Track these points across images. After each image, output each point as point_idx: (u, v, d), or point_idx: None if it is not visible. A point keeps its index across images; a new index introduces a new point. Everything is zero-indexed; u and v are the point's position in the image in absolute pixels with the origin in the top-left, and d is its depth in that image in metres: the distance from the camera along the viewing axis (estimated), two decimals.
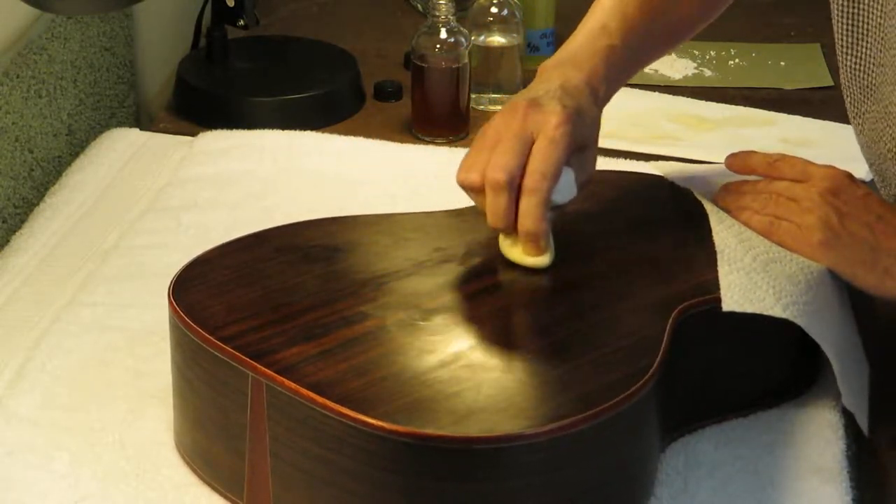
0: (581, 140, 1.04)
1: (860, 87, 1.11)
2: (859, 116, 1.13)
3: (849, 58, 1.10)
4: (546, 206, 1.01)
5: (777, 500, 0.97)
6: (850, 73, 1.11)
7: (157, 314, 1.02)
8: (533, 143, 1.01)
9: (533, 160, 1.01)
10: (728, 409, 1.04)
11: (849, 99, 1.13)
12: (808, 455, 1.01)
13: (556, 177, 1.01)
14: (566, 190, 1.03)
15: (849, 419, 1.05)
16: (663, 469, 0.99)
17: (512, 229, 1.01)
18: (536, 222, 1.00)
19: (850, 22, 1.09)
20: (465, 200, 1.14)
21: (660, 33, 1.16)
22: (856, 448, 1.04)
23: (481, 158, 1.02)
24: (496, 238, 1.07)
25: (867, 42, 1.08)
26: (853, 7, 1.08)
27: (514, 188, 1.00)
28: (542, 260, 1.02)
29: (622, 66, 1.11)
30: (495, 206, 1.01)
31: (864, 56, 1.09)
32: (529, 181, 1.00)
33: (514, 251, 1.03)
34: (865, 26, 1.08)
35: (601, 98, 1.08)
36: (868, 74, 1.10)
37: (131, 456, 1.00)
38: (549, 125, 1.01)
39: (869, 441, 1.05)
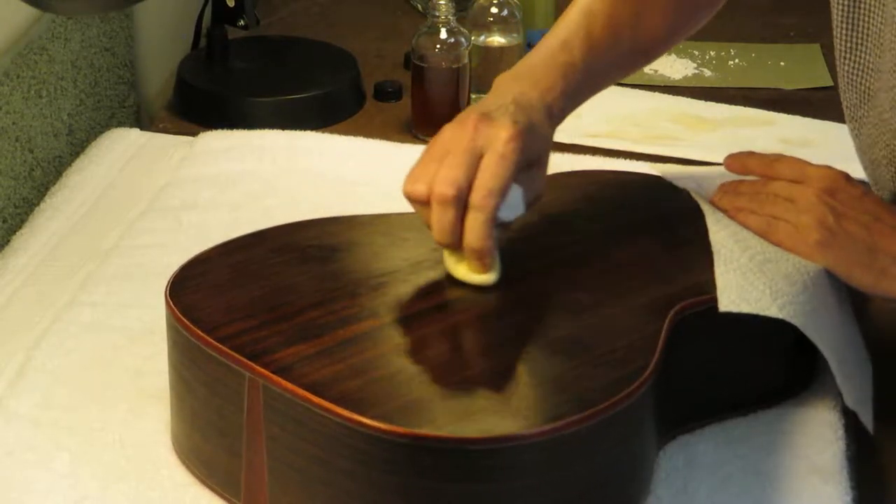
0: (531, 156, 1.02)
1: (857, 93, 1.11)
2: (855, 121, 1.13)
3: (847, 63, 1.10)
4: (492, 223, 0.98)
5: (777, 500, 0.97)
6: (848, 77, 1.11)
7: (157, 314, 1.02)
8: (482, 158, 0.99)
9: (481, 176, 0.98)
10: (726, 409, 1.04)
11: (845, 103, 1.13)
12: (807, 455, 1.01)
13: (503, 193, 0.98)
14: (514, 207, 1.01)
15: (848, 419, 1.05)
16: (663, 469, 0.99)
17: (457, 245, 0.99)
18: (482, 239, 0.98)
19: (849, 27, 1.09)
20: None
21: (625, 52, 1.14)
22: (855, 448, 1.04)
23: (429, 171, 0.99)
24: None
25: (865, 47, 1.08)
26: (853, 13, 1.08)
27: (461, 203, 0.98)
28: (487, 278, 1.00)
29: (582, 83, 1.09)
30: (441, 221, 0.98)
31: (861, 61, 1.09)
32: (476, 197, 0.98)
33: (460, 268, 1.00)
34: (864, 32, 1.08)
35: (556, 115, 1.06)
36: (865, 80, 1.10)
37: (131, 456, 1.00)
38: (499, 140, 0.99)
39: (869, 441, 1.05)
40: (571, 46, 1.09)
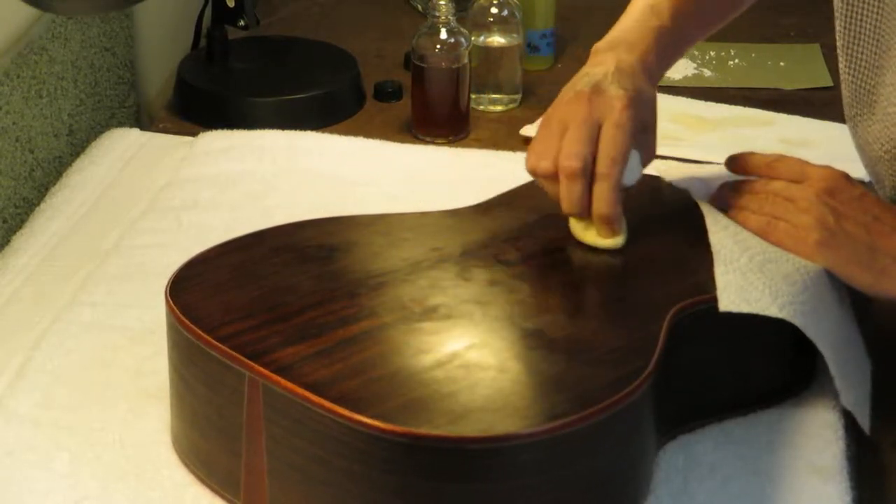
0: (643, 121, 1.07)
1: (857, 89, 1.11)
2: (855, 118, 1.13)
3: (846, 59, 1.10)
4: (619, 190, 1.03)
5: (777, 500, 0.97)
6: (847, 74, 1.11)
7: (157, 314, 1.02)
8: (600, 129, 1.03)
9: (603, 146, 1.03)
10: (725, 409, 1.04)
11: (846, 100, 1.13)
12: (807, 455, 1.01)
13: (625, 160, 1.03)
14: (634, 171, 1.06)
15: (848, 419, 1.05)
16: (663, 468, 0.99)
17: (587, 214, 1.04)
18: (611, 206, 1.02)
19: (847, 23, 1.09)
20: (464, 200, 1.14)
21: (708, 11, 1.17)
22: (855, 448, 1.05)
23: (551, 146, 1.03)
24: (493, 238, 1.07)
25: (863, 44, 1.08)
26: (850, 9, 1.08)
27: (588, 174, 1.02)
28: (616, 241, 1.05)
29: (672, 45, 1.13)
30: (570, 192, 1.03)
31: (860, 58, 1.09)
32: (602, 167, 1.02)
33: (589, 234, 1.05)
34: (860, 27, 1.08)
35: (655, 77, 1.10)
36: (864, 76, 1.10)
37: (131, 456, 1.00)
38: (615, 110, 1.04)
39: (869, 441, 1.05)
40: (659, 10, 1.12)
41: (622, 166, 1.03)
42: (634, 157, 1.06)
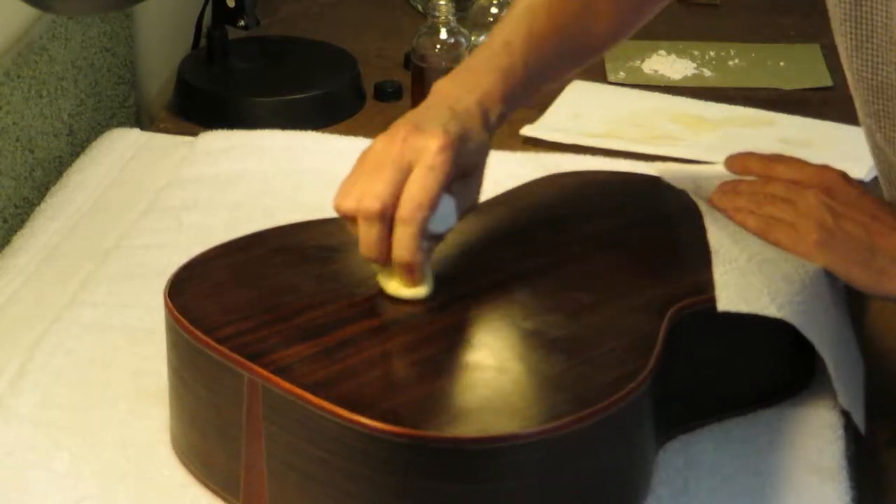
0: (465, 166, 0.99)
1: (871, 89, 1.10)
2: (871, 116, 1.12)
3: (857, 60, 1.09)
4: (421, 237, 0.96)
5: (777, 500, 0.97)
6: (859, 74, 1.10)
7: (157, 314, 1.02)
8: (411, 170, 0.96)
9: (408, 188, 0.95)
10: (725, 408, 1.04)
11: (859, 101, 1.12)
12: (807, 455, 1.02)
13: (432, 206, 0.96)
14: (445, 219, 0.98)
15: (848, 419, 1.05)
16: (663, 469, 0.99)
17: (386, 260, 0.97)
18: (411, 253, 0.96)
19: (854, 24, 1.08)
20: None
21: (569, 51, 1.11)
22: (855, 448, 1.05)
23: (357, 185, 0.97)
24: (493, 239, 1.07)
25: (874, 42, 1.08)
26: (857, 9, 1.07)
27: (387, 218, 0.96)
28: (418, 291, 0.98)
29: (523, 85, 1.05)
30: (368, 235, 0.96)
31: (872, 56, 1.09)
32: (403, 210, 0.95)
33: (391, 283, 0.98)
34: (871, 25, 1.07)
35: (493, 121, 1.03)
36: (877, 74, 1.09)
37: (131, 456, 1.00)
38: (429, 152, 0.96)
39: (868, 440, 1.05)
40: (513, 47, 1.05)
41: (427, 212, 0.95)
42: (448, 203, 0.98)
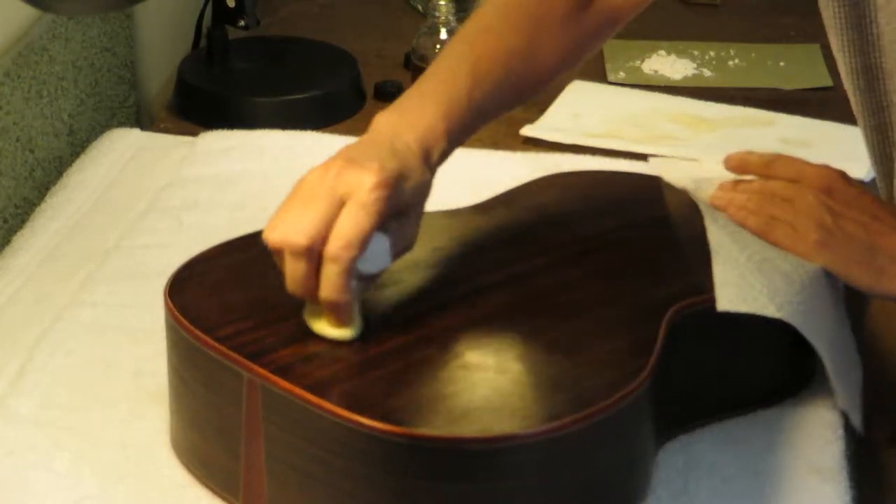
0: (401, 205, 0.95)
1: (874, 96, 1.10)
2: (870, 120, 1.12)
3: (855, 60, 1.09)
4: (349, 276, 0.92)
5: (777, 500, 0.97)
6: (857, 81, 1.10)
7: (157, 314, 1.02)
8: (343, 206, 0.92)
9: (338, 225, 0.92)
10: (724, 408, 1.04)
11: (859, 108, 1.12)
12: (807, 454, 1.02)
13: (362, 245, 0.91)
14: (377, 258, 0.94)
15: (848, 419, 1.05)
16: (663, 469, 0.99)
17: (312, 297, 0.93)
18: (337, 292, 0.92)
19: (852, 23, 1.08)
20: (464, 200, 1.14)
21: (513, 85, 1.06)
22: (855, 447, 1.05)
23: (288, 217, 0.93)
24: (494, 239, 1.07)
25: (875, 50, 1.07)
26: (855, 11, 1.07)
27: (314, 254, 0.92)
28: (344, 333, 0.94)
29: (467, 120, 1.01)
30: (293, 272, 0.92)
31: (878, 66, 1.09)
32: (331, 248, 0.91)
33: (318, 321, 0.94)
34: (873, 31, 1.07)
35: (435, 158, 0.99)
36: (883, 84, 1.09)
37: (131, 456, 1.00)
38: (363, 188, 0.92)
39: (868, 440, 1.05)
40: (457, 80, 1.02)
41: (356, 251, 0.91)
42: (380, 242, 0.94)
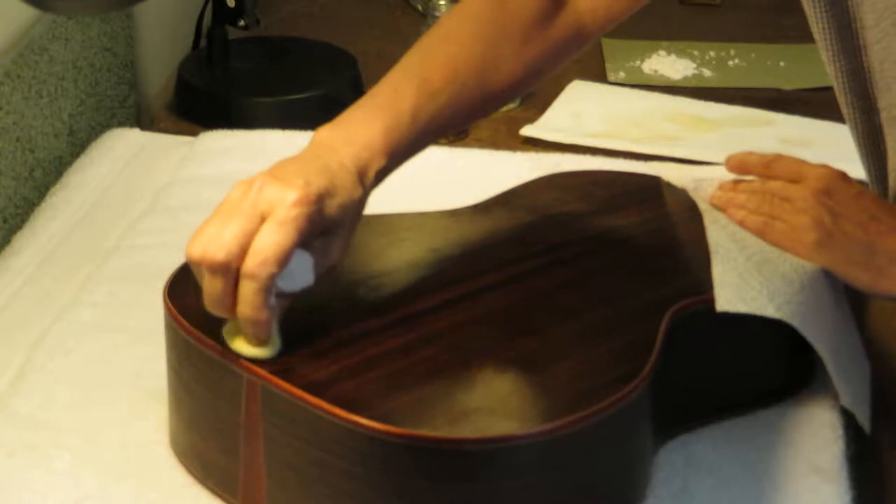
0: (326, 222, 0.92)
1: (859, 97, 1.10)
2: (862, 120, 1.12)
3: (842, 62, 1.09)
4: (267, 293, 0.90)
5: (777, 500, 0.97)
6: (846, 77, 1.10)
7: (157, 314, 1.02)
8: (263, 222, 0.90)
9: (257, 242, 0.89)
10: (724, 408, 1.04)
11: (848, 108, 1.12)
12: (807, 454, 1.02)
13: (281, 262, 0.89)
14: (298, 276, 0.92)
15: (848, 419, 1.05)
16: (663, 469, 0.99)
17: (228, 314, 0.91)
18: (254, 310, 0.89)
19: (839, 34, 1.08)
20: (464, 200, 1.14)
21: (464, 104, 1.02)
22: (855, 447, 1.05)
23: (208, 231, 0.91)
24: (493, 239, 1.07)
25: (865, 52, 1.07)
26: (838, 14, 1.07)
27: (232, 270, 0.89)
28: (262, 352, 0.91)
29: (410, 138, 0.98)
30: (210, 288, 0.90)
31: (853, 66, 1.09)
32: (249, 265, 0.89)
33: (236, 340, 0.92)
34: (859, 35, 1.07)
35: (371, 176, 0.96)
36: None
37: (132, 456, 1.00)
38: (283, 204, 0.89)
39: (868, 440, 1.05)
40: (403, 96, 0.98)
41: (274, 269, 0.89)
42: (303, 260, 0.92)
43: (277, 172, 0.92)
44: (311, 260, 0.92)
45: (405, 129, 0.98)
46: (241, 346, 0.92)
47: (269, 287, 0.90)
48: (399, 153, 0.98)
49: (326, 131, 0.97)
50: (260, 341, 0.91)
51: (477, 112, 1.06)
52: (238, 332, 0.92)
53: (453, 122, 1.04)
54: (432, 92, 1.00)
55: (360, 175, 0.95)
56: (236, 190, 0.92)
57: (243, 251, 0.90)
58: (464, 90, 1.02)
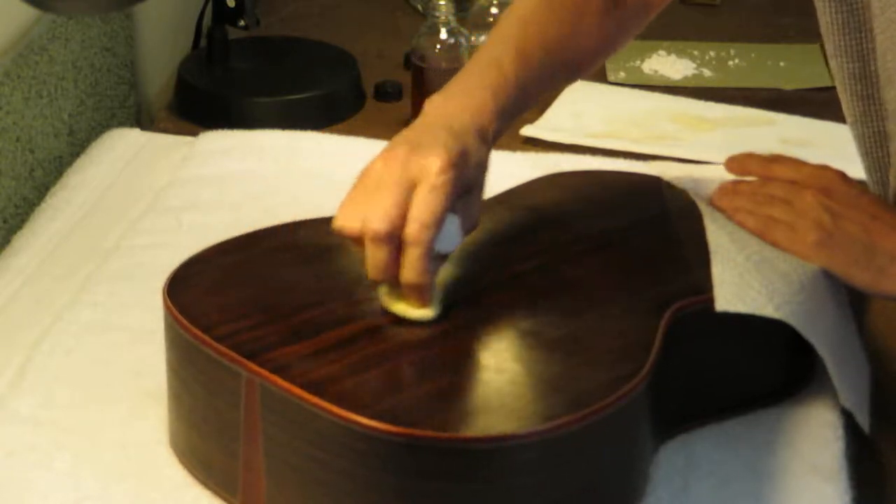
0: (466, 183, 0.98)
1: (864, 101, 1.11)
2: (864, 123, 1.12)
3: (850, 64, 1.09)
4: (429, 257, 0.95)
5: (777, 500, 0.97)
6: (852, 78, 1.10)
7: (157, 314, 1.02)
8: (414, 190, 0.95)
9: (414, 209, 0.95)
10: (723, 408, 1.04)
11: (851, 110, 1.12)
12: (807, 454, 1.02)
13: (438, 226, 0.95)
14: (450, 238, 0.98)
15: (848, 419, 1.05)
16: (663, 468, 0.99)
17: (394, 281, 0.96)
18: (420, 274, 0.95)
19: (847, 26, 1.08)
20: None
21: (557, 68, 1.11)
22: (855, 447, 1.05)
23: (361, 206, 0.96)
24: (493, 239, 1.07)
25: (872, 58, 1.07)
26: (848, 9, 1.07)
27: (395, 239, 0.95)
28: (426, 313, 0.96)
29: (514, 102, 1.05)
30: (376, 258, 0.95)
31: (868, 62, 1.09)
32: (411, 231, 0.94)
33: (399, 303, 0.97)
34: (867, 26, 1.07)
35: (490, 137, 1.02)
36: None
37: (132, 456, 1.00)
38: (431, 171, 0.95)
39: (869, 440, 1.05)
40: (502, 63, 1.05)
41: (433, 232, 0.95)
42: (452, 222, 0.97)
43: (412, 142, 0.97)
44: (458, 221, 0.98)
45: (510, 94, 1.04)
46: (406, 310, 0.97)
47: (430, 251, 0.95)
48: (506, 116, 1.04)
49: (440, 100, 1.03)
50: (425, 303, 0.96)
51: (566, 78, 1.19)
52: (398, 297, 0.97)
53: (546, 87, 1.12)
54: (528, 61, 1.06)
55: (482, 137, 1.01)
56: (377, 164, 0.97)
57: (402, 220, 0.95)
58: (555, 58, 1.10)
